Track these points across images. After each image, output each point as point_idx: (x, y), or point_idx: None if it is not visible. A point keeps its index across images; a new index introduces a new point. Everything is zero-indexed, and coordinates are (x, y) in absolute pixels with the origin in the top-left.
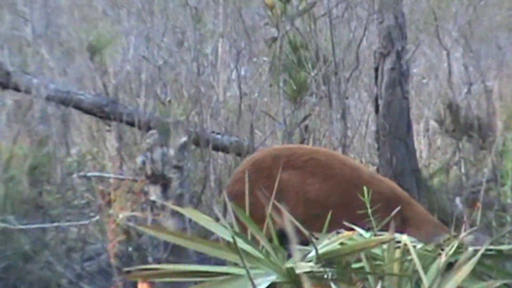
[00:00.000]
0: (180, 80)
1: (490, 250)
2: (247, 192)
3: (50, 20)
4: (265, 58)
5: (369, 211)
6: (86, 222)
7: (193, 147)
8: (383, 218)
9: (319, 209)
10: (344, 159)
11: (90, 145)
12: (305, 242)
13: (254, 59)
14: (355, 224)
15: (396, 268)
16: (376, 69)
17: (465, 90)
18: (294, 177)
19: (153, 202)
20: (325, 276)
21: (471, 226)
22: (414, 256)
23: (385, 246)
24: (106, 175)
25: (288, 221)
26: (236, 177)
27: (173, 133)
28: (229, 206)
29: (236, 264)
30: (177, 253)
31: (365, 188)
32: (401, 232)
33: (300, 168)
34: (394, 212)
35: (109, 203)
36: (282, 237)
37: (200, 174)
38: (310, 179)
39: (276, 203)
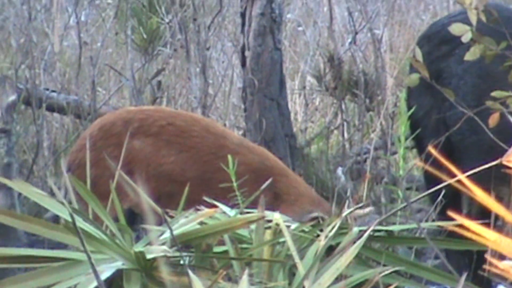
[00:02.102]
0: (7, 27)
1: (379, 231)
2: (88, 162)
3: None
4: (109, 1)
5: (235, 185)
6: None
7: (23, 107)
8: (251, 193)
9: (174, 186)
10: (208, 124)
11: None
12: (159, 222)
13: (97, 2)
14: (219, 202)
15: (266, 252)
16: (243, 15)
17: (349, 40)
18: (147, 147)
19: None
20: (182, 262)
21: (357, 202)
22: (287, 238)
23: (253, 226)
24: None
25: (140, 197)
26: (80, 144)
27: (0, 90)
28: (67, 178)
29: (75, 248)
30: (4, 234)
31: (229, 159)
32: (273, 210)
33: (155, 136)
34: (264, 186)
35: None
36: (132, 217)
37: (32, 140)
38: (165, 150)
39: (125, 176)
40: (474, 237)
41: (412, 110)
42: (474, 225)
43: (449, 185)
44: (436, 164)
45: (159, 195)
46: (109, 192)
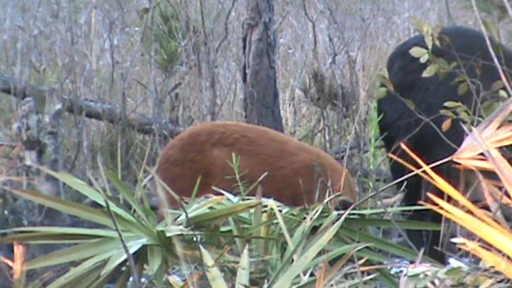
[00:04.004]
0: (54, 49)
1: (353, 214)
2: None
3: None
4: (137, 28)
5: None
6: None
7: (67, 114)
8: (306, 184)
9: (244, 183)
10: (272, 134)
11: None
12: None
13: (127, 29)
14: (280, 194)
15: (263, 231)
16: (244, 40)
17: (330, 60)
18: (223, 154)
19: (29, 167)
20: (194, 239)
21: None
22: (280, 220)
23: (252, 210)
24: None
25: (160, 187)
26: (173, 142)
27: (48, 100)
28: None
29: (109, 228)
30: (51, 216)
31: (289, 160)
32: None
33: (230, 146)
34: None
35: None
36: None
37: (74, 140)
38: (238, 156)
39: (159, 180)
40: (443, 213)
41: (381, 117)
42: (446, 204)
43: (412, 176)
44: (405, 159)
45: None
46: (187, 188)
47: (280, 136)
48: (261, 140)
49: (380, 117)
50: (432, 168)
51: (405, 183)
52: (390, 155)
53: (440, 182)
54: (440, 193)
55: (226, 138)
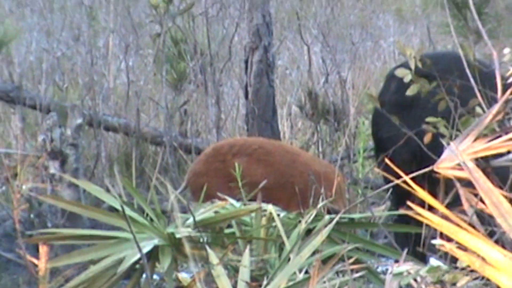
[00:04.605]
0: (76, 69)
1: (344, 218)
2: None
3: None
4: (150, 51)
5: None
6: None
7: (87, 127)
8: (316, 191)
9: (261, 189)
10: (288, 148)
11: None
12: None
13: (141, 52)
14: (292, 199)
15: (262, 233)
16: (246, 61)
17: (323, 80)
18: (242, 163)
19: (52, 175)
20: (201, 240)
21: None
22: (278, 223)
23: (253, 214)
24: (12, 151)
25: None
26: (199, 158)
27: (70, 115)
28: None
29: (124, 230)
30: (73, 219)
31: (300, 170)
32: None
33: (249, 156)
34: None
35: (14, 176)
36: None
37: (93, 151)
38: (255, 165)
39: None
40: (423, 220)
41: (376, 130)
42: (424, 212)
43: (402, 186)
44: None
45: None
46: (213, 194)
47: (294, 149)
48: (276, 151)
49: (376, 130)
50: (425, 176)
51: (395, 191)
52: (389, 162)
53: (421, 192)
54: (423, 201)
55: (245, 149)
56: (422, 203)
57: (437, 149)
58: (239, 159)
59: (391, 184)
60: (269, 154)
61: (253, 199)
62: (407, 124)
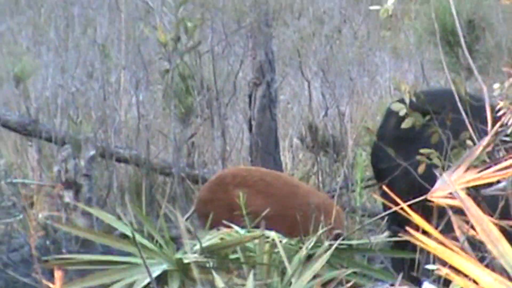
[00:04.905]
0: (89, 104)
1: (343, 244)
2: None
3: None
4: (159, 86)
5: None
6: (11, 220)
7: (99, 159)
8: (316, 222)
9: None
10: (288, 180)
11: (15, 157)
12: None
13: (150, 87)
14: (292, 229)
15: (265, 259)
16: (250, 96)
17: (323, 113)
18: (244, 194)
19: (67, 204)
20: (208, 265)
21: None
22: (280, 249)
23: (256, 240)
24: (29, 181)
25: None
26: (205, 186)
27: (84, 147)
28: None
29: (135, 255)
30: (86, 246)
31: (299, 201)
32: (329, 231)
33: (250, 187)
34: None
35: (31, 205)
36: None
37: (105, 181)
38: (255, 196)
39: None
40: (421, 245)
41: (376, 161)
42: (422, 237)
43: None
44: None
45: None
46: (216, 221)
47: (293, 181)
48: (276, 183)
49: (376, 161)
50: (419, 204)
51: (393, 218)
52: (387, 190)
53: (417, 219)
54: (418, 227)
55: (247, 180)
56: (417, 229)
57: (433, 179)
58: (240, 189)
59: (388, 212)
60: (269, 185)
61: (256, 227)
62: (408, 157)
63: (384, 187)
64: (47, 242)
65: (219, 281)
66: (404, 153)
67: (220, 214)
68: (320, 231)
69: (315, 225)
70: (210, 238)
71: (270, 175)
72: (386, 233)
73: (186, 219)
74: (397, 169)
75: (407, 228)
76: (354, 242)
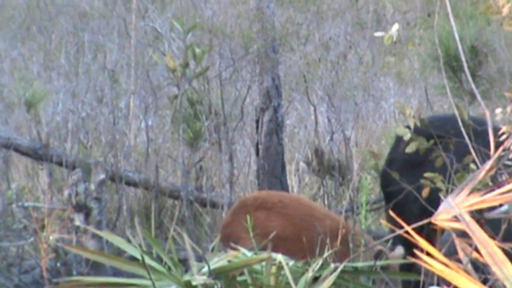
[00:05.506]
0: (99, 128)
1: (348, 266)
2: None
3: None
4: (168, 111)
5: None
6: (23, 242)
7: (109, 182)
8: (331, 245)
9: (277, 240)
10: (306, 202)
11: (26, 180)
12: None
13: (159, 112)
14: (306, 252)
15: (272, 281)
16: (257, 121)
17: (328, 138)
18: (263, 215)
19: (78, 227)
20: (216, 287)
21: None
22: (287, 271)
23: (263, 263)
24: (40, 204)
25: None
26: (229, 211)
27: (94, 171)
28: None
29: (144, 277)
30: (96, 268)
31: (316, 224)
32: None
33: (269, 209)
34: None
35: (42, 228)
36: None
37: (115, 205)
38: (274, 217)
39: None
40: (428, 267)
41: (380, 184)
42: (430, 260)
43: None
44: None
45: (267, 246)
46: (237, 242)
47: (309, 204)
48: (294, 206)
49: (385, 185)
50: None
51: (401, 241)
52: (393, 215)
53: (422, 242)
54: (422, 250)
55: (266, 202)
56: (421, 252)
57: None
58: (260, 212)
59: (393, 234)
60: (287, 207)
61: (274, 249)
62: (418, 181)
63: (391, 212)
64: (58, 264)
65: None
66: (414, 177)
67: (241, 236)
68: (326, 254)
69: (330, 247)
70: (218, 260)
71: (288, 197)
72: (399, 254)
73: (212, 249)
74: (406, 193)
75: (414, 250)
76: (359, 264)
